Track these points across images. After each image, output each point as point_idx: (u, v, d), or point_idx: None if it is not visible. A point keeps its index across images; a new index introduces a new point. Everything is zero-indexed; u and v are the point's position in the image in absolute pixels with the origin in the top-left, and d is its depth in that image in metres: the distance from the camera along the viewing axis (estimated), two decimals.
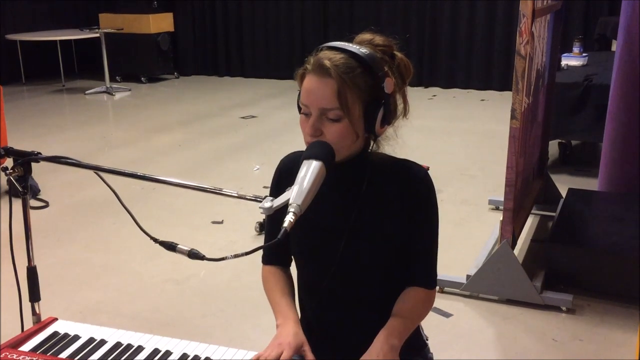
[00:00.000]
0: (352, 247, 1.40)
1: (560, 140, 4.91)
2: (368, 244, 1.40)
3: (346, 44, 1.33)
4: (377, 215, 1.40)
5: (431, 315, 2.87)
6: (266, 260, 1.59)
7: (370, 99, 1.30)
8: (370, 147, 1.39)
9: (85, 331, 1.43)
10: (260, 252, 1.52)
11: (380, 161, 1.40)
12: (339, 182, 1.41)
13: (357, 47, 1.31)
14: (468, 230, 3.78)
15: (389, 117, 1.35)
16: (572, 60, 5.13)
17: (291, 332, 1.36)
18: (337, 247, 1.40)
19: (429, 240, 1.44)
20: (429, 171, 1.46)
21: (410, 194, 1.39)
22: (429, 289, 1.46)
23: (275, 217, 1.25)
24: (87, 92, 8.11)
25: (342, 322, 1.49)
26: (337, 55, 1.30)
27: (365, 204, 1.39)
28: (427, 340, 1.61)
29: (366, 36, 1.38)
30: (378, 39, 1.37)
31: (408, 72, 1.39)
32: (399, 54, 1.38)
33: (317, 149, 1.26)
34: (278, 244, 1.12)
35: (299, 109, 1.36)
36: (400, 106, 1.39)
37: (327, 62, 1.28)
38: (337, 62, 1.28)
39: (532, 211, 3.81)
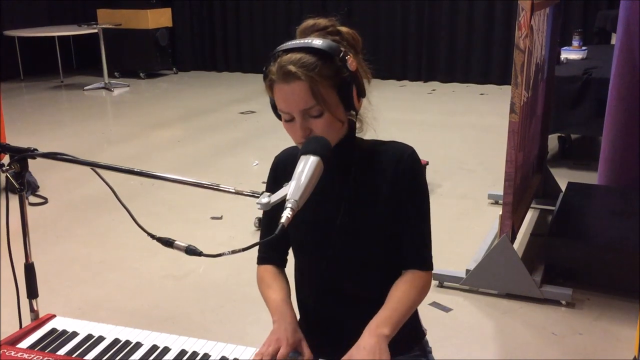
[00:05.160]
0: (345, 237, 1.39)
1: (559, 134, 4.90)
2: (361, 232, 1.39)
3: (298, 41, 1.33)
4: (368, 201, 1.39)
5: (430, 309, 2.89)
6: (261, 261, 1.57)
7: (340, 82, 1.31)
8: (357, 130, 1.40)
9: (83, 328, 1.43)
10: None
11: (365, 146, 1.42)
12: (326, 171, 1.40)
13: (310, 41, 1.32)
14: (467, 225, 3.78)
15: (362, 90, 1.37)
16: (571, 53, 5.11)
17: (289, 329, 1.35)
18: (330, 237, 1.39)
19: (420, 220, 1.41)
20: (428, 166, 1.46)
21: (396, 175, 1.39)
22: (423, 270, 1.42)
23: (270, 213, 1.24)
24: (85, 88, 8.10)
25: (341, 316, 1.48)
26: (295, 55, 1.30)
27: (354, 191, 1.39)
28: (425, 331, 1.60)
29: (309, 22, 1.39)
30: (320, 22, 1.38)
31: (357, 42, 1.41)
32: (343, 29, 1.39)
33: (314, 144, 1.26)
34: (275, 241, 1.12)
35: (278, 116, 1.39)
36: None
37: (291, 67, 1.28)
38: (299, 62, 1.29)
39: (532, 205, 3.81)
